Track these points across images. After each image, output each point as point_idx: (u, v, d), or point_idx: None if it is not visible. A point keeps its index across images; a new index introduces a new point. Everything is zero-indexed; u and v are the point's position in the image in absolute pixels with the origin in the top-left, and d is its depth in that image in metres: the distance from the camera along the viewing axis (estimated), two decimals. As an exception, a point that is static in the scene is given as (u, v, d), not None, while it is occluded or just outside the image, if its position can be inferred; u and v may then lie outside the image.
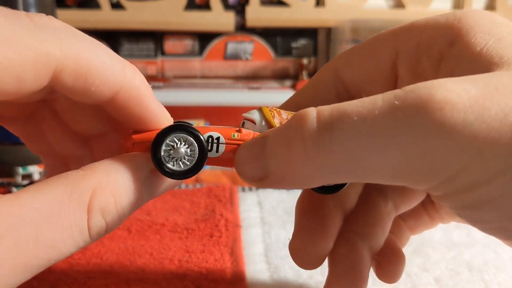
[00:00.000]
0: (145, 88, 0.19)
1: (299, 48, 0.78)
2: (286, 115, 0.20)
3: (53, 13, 0.58)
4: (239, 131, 0.19)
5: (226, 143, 0.19)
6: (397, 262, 0.24)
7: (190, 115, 0.69)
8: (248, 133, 0.19)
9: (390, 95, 0.15)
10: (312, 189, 0.20)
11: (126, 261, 0.31)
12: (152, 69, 0.77)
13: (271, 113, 0.20)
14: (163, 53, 0.77)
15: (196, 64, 0.77)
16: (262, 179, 0.18)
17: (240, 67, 0.78)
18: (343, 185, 0.20)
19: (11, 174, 0.47)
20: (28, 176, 0.46)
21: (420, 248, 0.33)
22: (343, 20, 0.67)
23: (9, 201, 0.15)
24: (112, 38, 0.75)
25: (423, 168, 0.15)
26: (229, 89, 0.70)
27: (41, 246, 0.15)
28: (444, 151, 0.14)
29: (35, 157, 0.54)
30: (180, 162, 0.18)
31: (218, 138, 0.19)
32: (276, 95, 0.70)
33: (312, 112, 0.16)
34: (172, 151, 0.18)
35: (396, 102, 0.15)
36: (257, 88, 0.70)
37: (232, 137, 0.19)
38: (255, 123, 0.20)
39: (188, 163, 0.18)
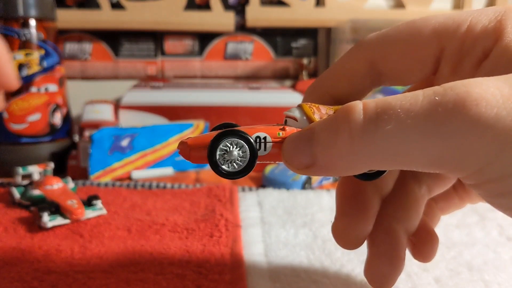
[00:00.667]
0: None
1: (299, 48, 0.78)
2: (325, 110, 0.21)
3: (53, 13, 0.57)
4: (283, 129, 0.20)
5: (272, 142, 0.20)
6: (431, 242, 0.26)
7: (190, 115, 0.68)
8: (291, 130, 0.21)
9: (430, 91, 0.17)
10: (354, 175, 0.22)
11: (126, 261, 0.31)
12: (152, 69, 0.77)
13: (311, 109, 0.21)
14: (163, 53, 0.77)
15: (196, 64, 0.77)
16: (309, 167, 0.19)
17: (240, 67, 0.78)
18: (382, 172, 0.21)
19: (11, 174, 0.47)
20: (28, 176, 0.46)
21: (420, 248, 0.33)
22: (343, 20, 0.67)
23: None
24: (112, 38, 0.75)
25: (458, 158, 0.16)
26: (229, 89, 0.70)
27: None
28: (477, 143, 0.16)
29: (35, 157, 0.54)
30: (234, 164, 0.20)
31: (265, 138, 0.20)
32: (276, 95, 0.69)
33: (359, 105, 0.18)
34: (226, 155, 0.20)
35: (436, 98, 0.16)
36: (257, 88, 0.70)
37: (278, 136, 0.20)
38: (296, 120, 0.21)
39: (241, 163, 0.20)
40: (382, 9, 0.77)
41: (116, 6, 0.73)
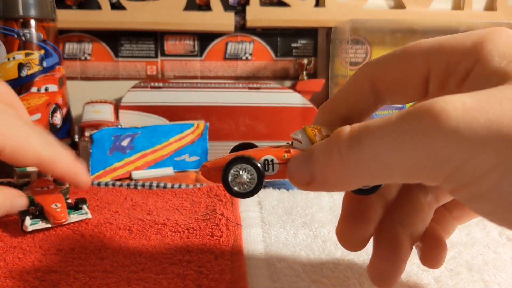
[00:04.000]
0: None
1: (299, 48, 0.78)
2: (325, 132, 0.23)
3: (53, 13, 0.58)
4: (288, 151, 0.23)
5: (279, 163, 0.23)
6: (439, 249, 0.27)
7: (190, 115, 0.69)
8: (295, 152, 0.23)
9: (403, 111, 0.19)
10: (352, 191, 0.24)
11: (127, 261, 0.31)
12: (152, 69, 0.77)
13: (313, 132, 0.23)
14: (163, 53, 0.77)
15: (196, 64, 0.77)
16: (309, 183, 0.22)
17: (240, 67, 0.78)
18: (377, 187, 0.23)
19: (11, 174, 0.47)
20: (26, 176, 0.46)
21: (420, 248, 0.33)
22: (343, 20, 0.67)
23: None
24: (112, 38, 0.75)
25: (429, 166, 0.18)
26: (229, 89, 0.70)
27: None
28: (442, 151, 0.17)
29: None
30: (244, 185, 0.23)
31: (272, 160, 0.23)
32: (276, 95, 0.70)
33: (347, 129, 0.20)
34: (236, 179, 0.23)
35: (404, 115, 0.18)
36: (257, 88, 0.70)
37: (283, 158, 0.23)
38: (300, 142, 0.23)
39: (251, 185, 0.23)
40: (382, 9, 0.77)
41: (116, 6, 0.73)
